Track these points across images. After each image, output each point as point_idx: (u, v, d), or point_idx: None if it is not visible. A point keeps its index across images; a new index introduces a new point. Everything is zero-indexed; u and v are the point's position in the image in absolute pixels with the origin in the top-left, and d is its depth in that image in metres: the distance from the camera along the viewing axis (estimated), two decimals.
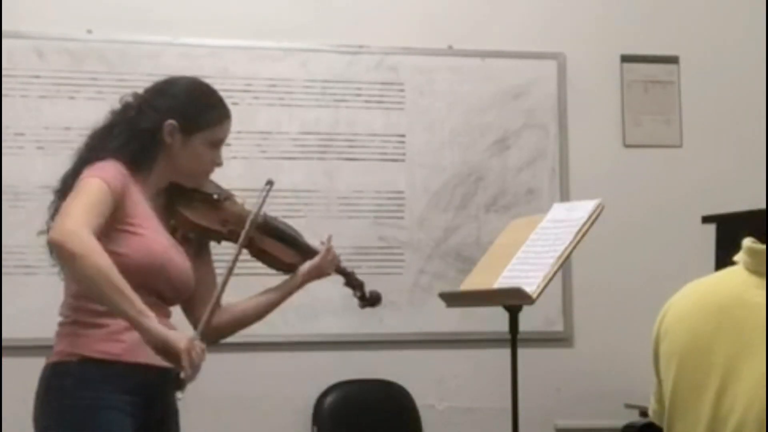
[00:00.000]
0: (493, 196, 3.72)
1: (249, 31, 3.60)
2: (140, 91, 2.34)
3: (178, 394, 2.08)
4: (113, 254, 2.07)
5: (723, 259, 1.38)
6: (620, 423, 3.42)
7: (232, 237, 2.35)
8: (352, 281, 2.58)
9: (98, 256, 1.99)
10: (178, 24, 3.55)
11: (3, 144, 3.37)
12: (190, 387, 2.31)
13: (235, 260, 2.22)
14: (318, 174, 3.60)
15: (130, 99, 2.31)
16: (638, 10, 3.89)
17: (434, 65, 3.71)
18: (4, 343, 3.22)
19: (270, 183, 2.38)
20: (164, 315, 2.25)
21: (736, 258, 1.35)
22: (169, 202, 2.32)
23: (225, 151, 2.43)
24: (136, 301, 1.99)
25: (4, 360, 3.21)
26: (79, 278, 2.06)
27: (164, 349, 2.00)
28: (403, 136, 3.68)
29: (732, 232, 1.40)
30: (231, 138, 3.49)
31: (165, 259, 2.22)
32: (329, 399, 3.50)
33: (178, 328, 2.27)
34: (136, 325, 2.00)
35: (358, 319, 3.55)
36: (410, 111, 3.69)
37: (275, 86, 3.60)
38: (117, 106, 2.32)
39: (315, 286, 3.44)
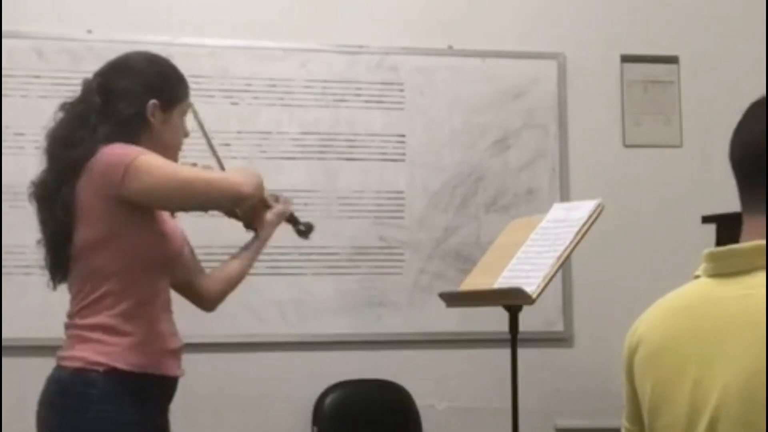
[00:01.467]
0: (493, 196, 3.71)
1: (249, 31, 3.60)
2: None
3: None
4: (148, 238, 2.16)
5: None
6: (620, 423, 3.41)
7: None
8: (294, 218, 2.71)
9: None
10: (178, 24, 3.55)
11: (3, 144, 3.37)
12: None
13: None
14: (318, 174, 3.60)
15: (90, 86, 2.27)
16: (638, 10, 3.89)
17: (434, 65, 3.71)
18: (4, 343, 3.22)
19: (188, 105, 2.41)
20: (170, 309, 2.29)
21: (697, 272, 1.36)
22: None
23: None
24: None
25: (4, 360, 3.21)
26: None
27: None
28: (403, 136, 3.68)
29: (732, 232, 1.39)
30: (231, 138, 3.52)
31: (181, 246, 2.30)
32: (329, 399, 3.50)
33: (177, 324, 2.29)
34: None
35: (358, 319, 3.57)
36: (410, 111, 3.69)
37: (275, 86, 3.60)
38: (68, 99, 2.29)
39: (315, 287, 3.48)
